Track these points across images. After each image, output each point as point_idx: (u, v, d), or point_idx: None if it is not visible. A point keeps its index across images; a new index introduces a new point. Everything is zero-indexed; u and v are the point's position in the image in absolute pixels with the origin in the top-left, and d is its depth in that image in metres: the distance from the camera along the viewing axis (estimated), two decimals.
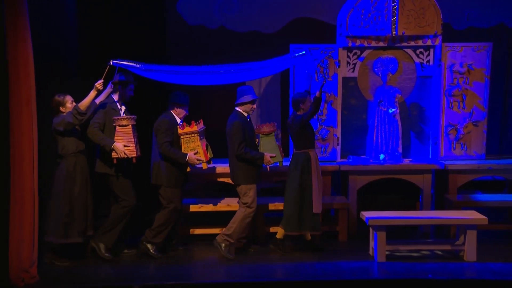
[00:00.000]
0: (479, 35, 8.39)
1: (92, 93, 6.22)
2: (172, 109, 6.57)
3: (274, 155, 6.56)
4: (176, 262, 6.43)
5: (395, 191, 8.24)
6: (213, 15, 8.46)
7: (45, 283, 5.85)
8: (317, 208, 6.52)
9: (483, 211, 6.70)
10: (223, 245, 6.51)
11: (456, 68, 7.48)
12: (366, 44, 7.42)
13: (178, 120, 6.55)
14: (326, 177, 7.40)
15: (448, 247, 6.52)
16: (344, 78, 7.55)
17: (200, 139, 6.51)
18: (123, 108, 6.52)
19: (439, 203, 7.60)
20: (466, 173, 7.41)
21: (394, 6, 7.27)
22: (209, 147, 6.67)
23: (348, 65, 7.51)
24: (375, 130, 7.54)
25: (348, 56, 7.50)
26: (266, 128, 6.67)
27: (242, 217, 6.52)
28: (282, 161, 6.66)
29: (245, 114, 6.58)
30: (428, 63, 7.52)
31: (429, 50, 7.52)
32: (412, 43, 7.41)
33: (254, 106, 6.61)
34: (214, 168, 7.20)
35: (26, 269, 5.75)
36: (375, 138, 7.54)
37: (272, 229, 7.02)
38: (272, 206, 7.10)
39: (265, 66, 6.74)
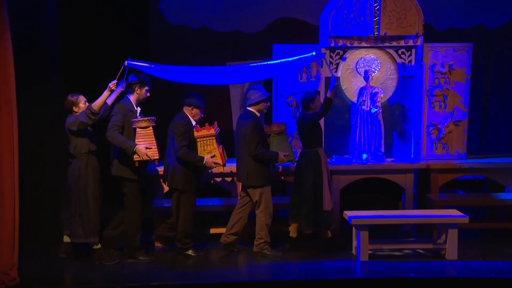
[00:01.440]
0: (459, 36, 8.47)
1: (106, 93, 6.18)
2: (188, 111, 6.49)
3: (287, 153, 6.59)
4: (159, 263, 6.41)
5: (378, 191, 8.28)
6: (195, 15, 8.43)
7: (26, 285, 5.78)
8: (327, 205, 6.58)
9: (464, 210, 6.76)
10: (265, 250, 6.57)
11: (437, 68, 7.55)
12: (348, 44, 7.45)
13: (193, 122, 6.49)
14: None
15: (430, 246, 6.57)
16: (327, 78, 7.57)
17: (216, 142, 6.48)
18: (139, 109, 6.45)
19: (421, 202, 7.66)
20: (448, 172, 7.47)
21: (376, 6, 7.31)
22: (224, 150, 6.63)
23: (331, 65, 7.54)
24: (357, 130, 7.57)
25: (331, 56, 7.52)
26: (276, 127, 6.72)
27: (265, 221, 6.54)
28: (294, 160, 6.70)
29: (258, 114, 6.57)
30: (410, 63, 7.57)
31: (411, 51, 7.57)
32: (394, 43, 7.46)
33: (268, 103, 6.62)
34: None
35: (6, 271, 5.68)
36: (358, 138, 7.58)
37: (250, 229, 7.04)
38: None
39: (280, 66, 6.74)
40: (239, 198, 6.86)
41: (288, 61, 6.72)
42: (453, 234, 6.41)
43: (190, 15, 8.41)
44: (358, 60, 7.57)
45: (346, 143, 7.70)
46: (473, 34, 8.56)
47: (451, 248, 6.41)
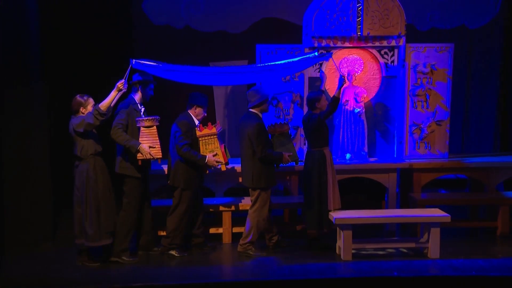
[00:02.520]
0: (441, 36, 8.56)
1: (114, 93, 6.13)
2: (191, 110, 6.53)
3: (291, 153, 6.61)
4: (143, 264, 6.38)
5: (361, 190, 8.35)
6: (179, 15, 8.41)
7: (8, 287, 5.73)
8: (333, 204, 6.61)
9: (447, 209, 6.82)
10: (249, 251, 6.57)
11: (419, 68, 7.60)
12: (331, 45, 7.48)
13: (196, 122, 6.52)
14: (293, 177, 7.45)
15: (412, 245, 6.62)
16: (310, 78, 7.60)
17: (218, 141, 6.50)
18: (143, 108, 6.46)
19: (404, 202, 7.72)
20: (430, 171, 7.54)
21: (359, 7, 7.35)
22: (226, 148, 6.65)
23: (314, 65, 7.56)
24: (341, 129, 7.61)
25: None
26: (279, 128, 6.72)
27: (257, 224, 6.54)
28: (298, 160, 6.73)
29: (261, 115, 6.59)
30: (392, 63, 7.62)
31: (394, 51, 7.62)
32: (377, 44, 7.50)
33: (269, 103, 6.66)
34: None
35: None
36: (341, 137, 7.61)
37: (234, 229, 7.05)
38: (243, 206, 7.10)
39: (286, 67, 6.73)
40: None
41: (294, 61, 6.74)
42: (435, 233, 6.46)
43: (173, 15, 8.38)
44: (341, 60, 7.60)
45: (329, 143, 7.74)
46: (454, 34, 8.64)
47: (433, 246, 6.47)
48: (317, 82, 7.67)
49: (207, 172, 6.66)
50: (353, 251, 6.47)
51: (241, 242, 6.63)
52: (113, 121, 6.25)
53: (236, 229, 7.06)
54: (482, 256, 6.48)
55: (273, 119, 7.43)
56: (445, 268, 6.16)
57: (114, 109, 6.35)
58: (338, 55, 7.60)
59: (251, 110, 6.58)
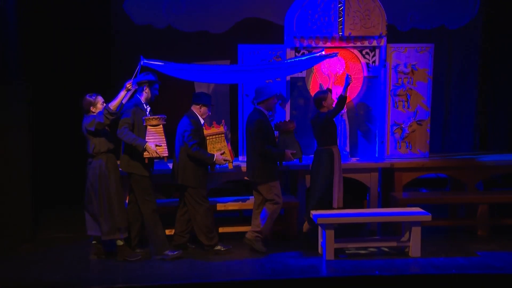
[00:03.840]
0: (421, 37, 8.64)
1: (123, 93, 6.27)
2: (196, 109, 6.62)
3: (295, 151, 6.68)
4: (122, 263, 6.35)
5: (343, 190, 8.37)
6: (160, 15, 8.38)
7: None
8: (337, 203, 6.70)
9: (428, 208, 6.88)
10: (255, 240, 6.62)
11: (400, 68, 7.66)
12: (313, 45, 7.50)
13: (201, 121, 6.62)
14: None
15: (394, 244, 6.68)
16: (292, 78, 7.62)
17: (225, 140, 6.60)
18: (148, 108, 6.55)
19: (386, 201, 7.76)
20: (411, 171, 7.60)
21: (340, 7, 7.39)
22: (231, 147, 6.75)
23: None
24: None
25: (296, 56, 7.56)
26: (284, 126, 6.79)
27: (271, 213, 6.63)
28: (302, 158, 6.81)
29: (266, 112, 6.69)
30: (374, 64, 7.67)
31: (375, 51, 7.66)
32: (358, 44, 7.54)
33: (276, 101, 6.74)
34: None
35: None
36: None
37: (220, 229, 7.02)
38: (221, 207, 7.11)
39: (293, 65, 6.98)
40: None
41: (302, 60, 7.00)
42: (416, 231, 6.52)
43: (155, 15, 8.36)
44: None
45: (312, 142, 7.76)
46: (434, 35, 8.73)
47: (414, 245, 6.53)
48: (299, 83, 7.69)
49: (214, 170, 6.72)
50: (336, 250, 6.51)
51: (251, 228, 6.71)
52: (120, 120, 6.36)
53: (221, 229, 7.04)
54: (462, 254, 6.55)
55: None
56: (426, 266, 6.22)
57: (121, 108, 6.40)
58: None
59: (256, 107, 6.72)
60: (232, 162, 6.63)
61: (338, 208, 6.74)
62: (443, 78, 8.89)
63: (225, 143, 6.59)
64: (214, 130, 6.56)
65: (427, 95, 7.72)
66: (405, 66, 7.65)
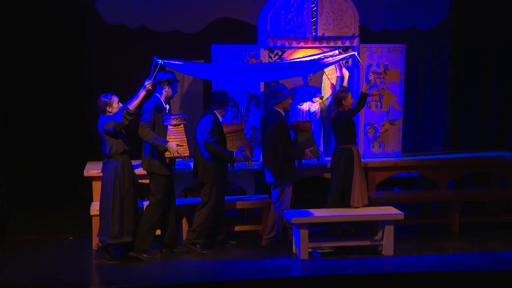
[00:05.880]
0: (393, 37, 8.74)
1: (142, 93, 6.18)
2: (215, 107, 6.60)
3: (312, 148, 6.70)
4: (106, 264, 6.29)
5: (317, 189, 8.42)
6: (133, 15, 8.32)
7: None
8: (355, 202, 6.73)
9: (400, 207, 6.95)
10: (272, 244, 6.69)
11: (373, 68, 7.72)
12: (287, 45, 7.52)
13: (220, 119, 6.60)
14: (249, 177, 7.46)
15: (367, 243, 6.72)
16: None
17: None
18: (167, 107, 6.51)
19: None
20: (384, 170, 7.66)
21: (313, 7, 7.42)
22: (251, 145, 6.76)
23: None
24: None
25: (269, 57, 7.56)
26: (302, 125, 6.80)
27: (279, 216, 6.66)
28: (319, 156, 6.83)
29: (283, 112, 6.68)
30: (347, 64, 7.70)
31: (348, 51, 7.71)
32: (332, 44, 7.57)
33: (292, 101, 6.78)
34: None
35: None
36: None
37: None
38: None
39: (311, 64, 6.94)
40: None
41: (315, 59, 6.94)
42: (389, 230, 6.58)
43: (127, 14, 8.29)
44: None
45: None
46: (406, 35, 8.84)
47: (387, 244, 6.58)
48: (273, 82, 7.70)
49: (234, 167, 6.74)
50: (310, 250, 6.52)
51: (265, 237, 6.73)
52: (140, 119, 6.30)
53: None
54: (434, 252, 6.63)
55: (229, 120, 7.41)
56: (398, 264, 6.28)
57: (141, 107, 6.36)
58: (294, 56, 7.64)
59: (272, 107, 6.70)
60: (251, 160, 6.64)
61: (363, 206, 6.78)
62: (415, 78, 9.00)
63: (245, 140, 6.62)
64: (233, 127, 6.58)
65: (399, 95, 7.80)
66: (378, 66, 7.72)
